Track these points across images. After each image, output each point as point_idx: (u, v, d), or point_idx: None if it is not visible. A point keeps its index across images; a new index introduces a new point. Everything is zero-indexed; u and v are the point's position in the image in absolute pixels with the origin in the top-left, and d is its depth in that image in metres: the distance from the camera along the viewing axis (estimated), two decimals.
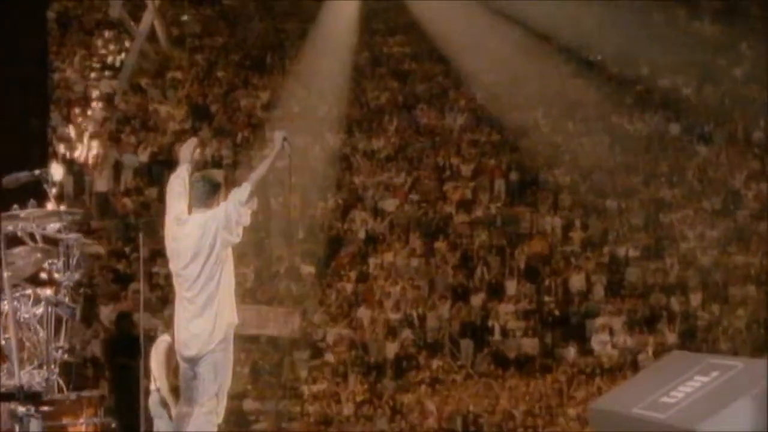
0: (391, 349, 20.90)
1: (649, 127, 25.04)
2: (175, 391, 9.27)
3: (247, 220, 7.84)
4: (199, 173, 8.12)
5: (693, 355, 7.13)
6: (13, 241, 7.63)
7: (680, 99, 25.30)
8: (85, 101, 23.75)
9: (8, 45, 15.20)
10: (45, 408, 7.05)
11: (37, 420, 6.86)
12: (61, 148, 22.52)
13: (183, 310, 7.95)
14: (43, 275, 7.89)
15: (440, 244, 22.73)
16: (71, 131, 23.00)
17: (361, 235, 22.87)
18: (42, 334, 7.39)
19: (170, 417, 9.62)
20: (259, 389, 19.72)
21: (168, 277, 10.64)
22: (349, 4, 23.39)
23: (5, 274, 7.24)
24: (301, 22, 23.88)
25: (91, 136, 22.96)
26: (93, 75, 24.05)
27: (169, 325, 9.30)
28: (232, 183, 8.20)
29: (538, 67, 24.26)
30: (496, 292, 22.08)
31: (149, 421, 9.86)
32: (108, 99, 23.81)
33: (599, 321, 21.49)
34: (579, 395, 19.60)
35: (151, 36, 24.21)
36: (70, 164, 22.34)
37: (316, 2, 23.52)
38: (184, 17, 25.39)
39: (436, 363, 20.84)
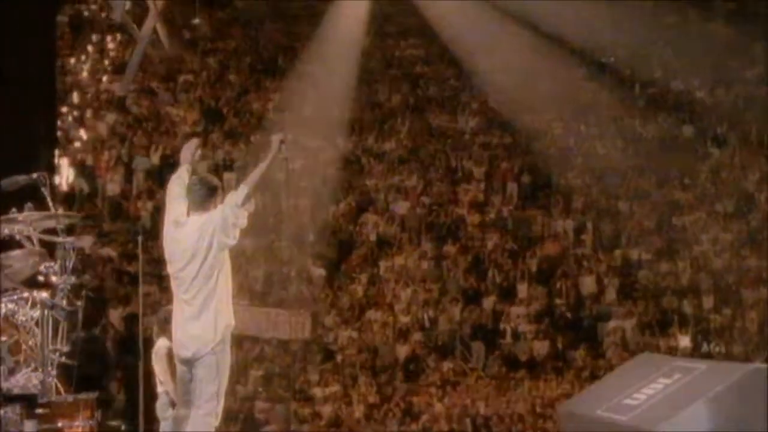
0: (402, 351, 20.91)
1: (661, 129, 24.95)
2: None
3: (243, 222, 7.85)
4: (196, 176, 8.14)
5: (660, 357, 7.29)
6: (11, 244, 7.68)
7: (693, 101, 25.21)
8: (97, 104, 23.82)
9: (17, 47, 15.27)
10: (40, 410, 7.08)
11: (32, 421, 6.89)
12: (73, 151, 22.60)
13: (180, 311, 7.98)
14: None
15: (452, 247, 22.71)
16: (83, 134, 23.08)
17: (373, 237, 22.87)
18: (39, 336, 7.43)
19: None
20: (270, 391, 19.74)
21: None
22: (359, 5, 23.38)
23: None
24: (313, 25, 23.86)
25: (103, 139, 23.04)
26: (105, 78, 24.10)
27: (164, 329, 9.34)
28: None
29: (550, 70, 24.18)
30: (507, 294, 22.05)
31: (150, 422, 9.88)
32: (120, 102, 23.87)
33: (611, 324, 21.44)
34: None
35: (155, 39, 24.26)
36: (82, 167, 22.41)
37: (327, 4, 23.52)
38: (196, 20, 25.43)
39: (447, 365, 20.83)
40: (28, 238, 7.69)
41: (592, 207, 23.50)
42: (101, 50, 24.75)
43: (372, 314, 21.40)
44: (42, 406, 7.16)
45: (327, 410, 19.58)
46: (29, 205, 7.68)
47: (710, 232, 22.99)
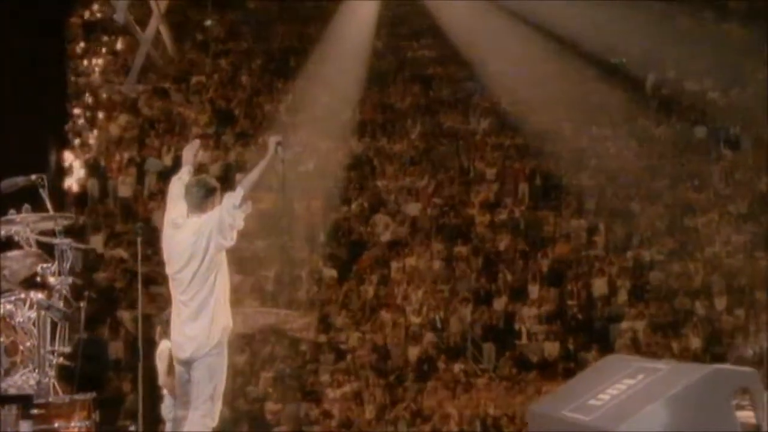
0: (413, 352, 20.90)
1: (674, 130, 24.86)
2: None
3: (240, 223, 7.88)
4: (194, 178, 8.18)
5: (628, 358, 7.39)
6: (9, 245, 7.73)
7: (706, 102, 25.09)
8: (110, 105, 23.90)
9: (27, 51, 15.37)
10: (35, 411, 7.11)
11: (28, 422, 6.92)
12: (85, 152, 22.69)
13: (178, 313, 8.03)
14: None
15: (463, 248, 22.67)
16: (95, 135, 23.16)
17: (384, 238, 22.86)
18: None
19: None
20: (280, 392, 19.77)
21: None
22: (370, 5, 23.40)
23: None
24: (324, 26, 23.87)
25: (115, 141, 23.12)
26: (117, 79, 24.18)
27: (166, 330, 9.37)
28: None
29: (562, 71, 24.11)
30: (519, 295, 22.01)
31: (150, 423, 9.92)
32: (132, 103, 23.94)
33: (623, 325, 21.38)
34: None
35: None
36: (94, 168, 22.50)
37: (338, 5, 23.54)
38: (208, 22, 25.49)
39: (458, 366, 20.80)
40: (26, 239, 7.73)
41: (604, 208, 23.41)
42: (113, 52, 24.82)
43: (383, 315, 21.40)
44: (38, 406, 7.19)
45: (338, 411, 19.60)
46: (26, 206, 7.72)
47: (723, 234, 22.88)
